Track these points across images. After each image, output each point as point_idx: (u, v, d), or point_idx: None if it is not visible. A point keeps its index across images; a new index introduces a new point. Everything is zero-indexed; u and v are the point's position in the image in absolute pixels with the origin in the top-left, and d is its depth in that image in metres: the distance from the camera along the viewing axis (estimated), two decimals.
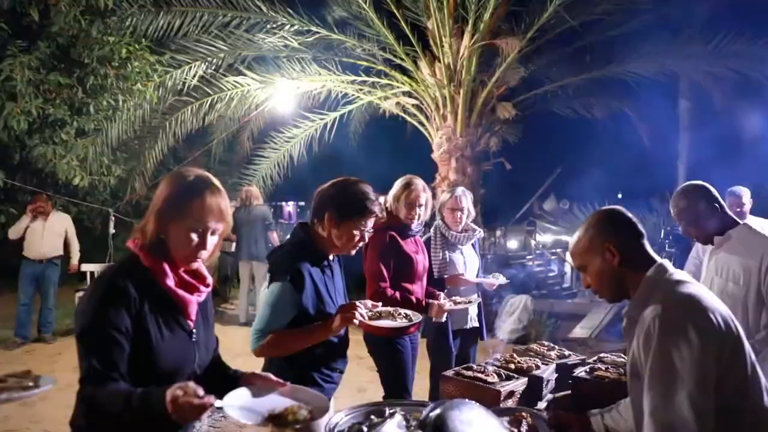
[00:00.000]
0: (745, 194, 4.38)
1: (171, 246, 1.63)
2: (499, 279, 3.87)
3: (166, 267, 1.63)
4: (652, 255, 1.70)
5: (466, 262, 3.84)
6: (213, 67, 7.67)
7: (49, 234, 7.12)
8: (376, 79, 8.03)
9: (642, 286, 1.64)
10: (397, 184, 3.38)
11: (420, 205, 3.31)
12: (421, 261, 3.34)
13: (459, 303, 3.32)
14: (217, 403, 1.45)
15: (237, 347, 5.68)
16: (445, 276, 3.71)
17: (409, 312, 2.60)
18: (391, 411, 1.73)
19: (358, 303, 2.18)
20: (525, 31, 7.10)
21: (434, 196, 8.35)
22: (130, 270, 1.61)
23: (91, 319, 1.56)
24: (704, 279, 2.84)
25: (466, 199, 3.76)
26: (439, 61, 7.34)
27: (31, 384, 1.50)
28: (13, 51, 6.20)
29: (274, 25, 7.45)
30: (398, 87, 7.94)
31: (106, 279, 1.61)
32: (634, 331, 1.60)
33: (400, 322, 2.47)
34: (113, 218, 8.57)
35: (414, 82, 7.72)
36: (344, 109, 8.56)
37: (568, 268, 17.48)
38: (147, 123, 7.88)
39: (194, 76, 7.59)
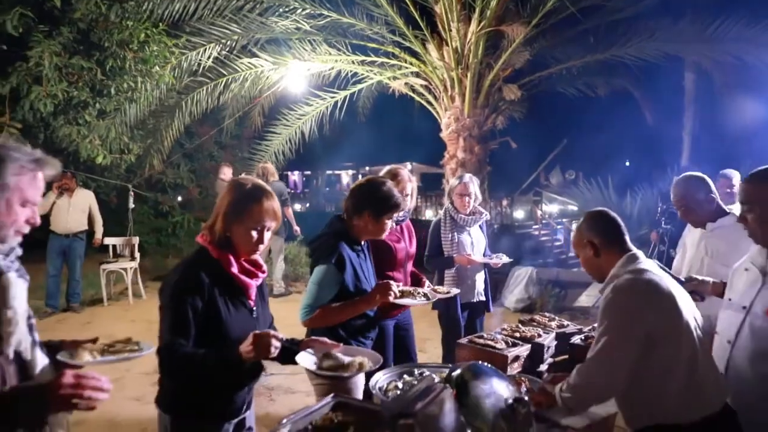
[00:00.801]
0: (735, 177, 4.69)
1: (235, 241, 2.00)
2: (502, 259, 4.15)
3: (231, 258, 1.99)
4: (627, 247, 2.11)
5: (474, 242, 4.15)
6: (227, 49, 7.92)
7: (74, 210, 7.49)
8: (385, 60, 8.25)
9: (612, 271, 2.07)
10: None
11: (406, 195, 3.38)
12: (403, 248, 3.37)
13: (439, 293, 3.29)
14: (297, 358, 2.00)
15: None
16: (454, 255, 4.03)
17: (426, 291, 2.93)
18: (419, 371, 2.11)
19: (391, 282, 2.55)
20: (530, 16, 7.29)
21: (442, 167, 8.65)
22: (202, 261, 1.98)
23: (169, 301, 1.94)
24: (693, 257, 3.19)
25: (473, 184, 4.10)
26: (447, 45, 7.56)
27: (136, 348, 1.86)
28: (39, 37, 6.44)
29: (287, 9, 7.65)
30: (407, 68, 8.16)
31: (184, 268, 1.98)
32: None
33: (419, 300, 2.83)
34: (132, 193, 8.92)
35: (422, 64, 7.94)
36: (354, 87, 8.80)
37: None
38: (164, 102, 8.15)
39: (209, 57, 7.86)
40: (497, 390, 1.79)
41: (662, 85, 10.39)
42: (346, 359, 2.06)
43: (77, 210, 7.53)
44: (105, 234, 8.15)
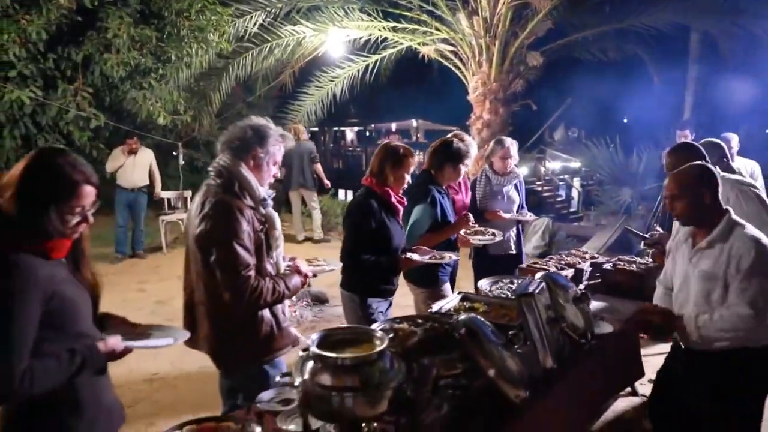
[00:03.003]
0: (734, 139, 5.48)
1: (390, 182, 2.99)
2: (526, 216, 4.57)
3: (390, 192, 2.96)
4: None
5: (506, 201, 4.48)
6: (271, 16, 8.57)
7: (138, 167, 8.30)
8: (416, 27, 8.90)
9: (724, 221, 2.38)
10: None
11: (466, 164, 3.88)
12: (460, 200, 4.12)
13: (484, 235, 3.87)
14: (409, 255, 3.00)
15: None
16: (486, 211, 4.43)
17: (496, 231, 3.81)
18: (507, 280, 3.03)
19: (470, 214, 3.51)
20: None
21: (469, 133, 9.43)
22: (371, 195, 2.98)
23: (352, 224, 2.99)
24: None
25: (514, 147, 4.52)
26: (477, 15, 8.22)
27: (323, 263, 2.74)
28: (111, 9, 7.13)
29: None
30: (436, 34, 8.82)
31: (360, 201, 2.98)
32: (718, 248, 2.35)
33: (488, 238, 3.71)
34: (183, 151, 9.71)
35: (452, 31, 8.61)
36: (385, 52, 9.47)
37: (575, 194, 18.69)
38: (212, 67, 8.85)
39: (255, 24, 8.52)
40: (566, 288, 2.70)
41: (670, 50, 10.99)
42: (439, 255, 3.14)
43: (140, 167, 8.34)
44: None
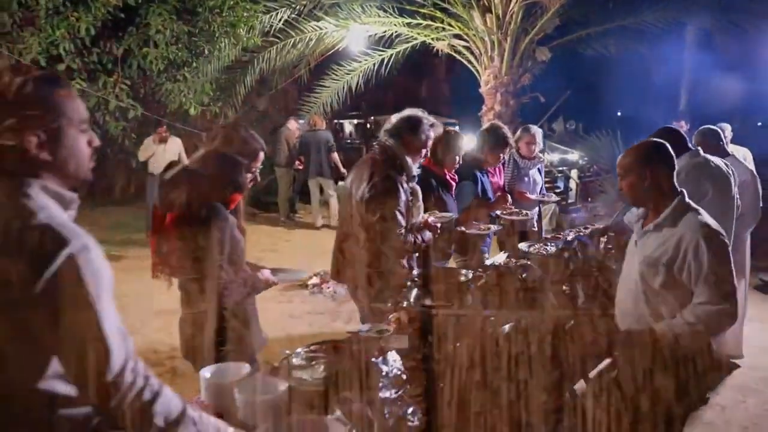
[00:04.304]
0: (727, 129, 6.07)
1: (444, 162, 3.55)
2: (552, 198, 5.24)
3: (446, 171, 3.49)
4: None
5: (531, 183, 5.00)
6: (296, 13, 9.08)
7: (168, 154, 8.82)
8: (430, 23, 9.43)
9: (674, 203, 2.18)
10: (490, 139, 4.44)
11: (509, 149, 4.52)
12: (496, 182, 4.59)
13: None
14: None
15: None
16: (514, 192, 4.89)
17: (529, 212, 4.37)
18: (540, 243, 3.62)
19: (507, 194, 4.02)
20: None
21: (480, 124, 9.99)
22: (429, 173, 3.56)
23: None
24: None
25: (539, 135, 5.08)
26: (490, 12, 8.75)
27: (442, 215, 3.31)
28: (153, 7, 7.61)
29: None
30: (450, 30, 9.35)
31: (422, 178, 3.46)
32: (666, 232, 2.17)
33: (522, 216, 4.27)
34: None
35: (465, 27, 9.15)
36: (400, 46, 9.97)
37: (573, 185, 19.32)
38: (239, 60, 9.36)
39: (280, 20, 9.03)
40: (592, 247, 3.29)
41: (668, 44, 11.48)
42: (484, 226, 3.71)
43: (170, 155, 8.85)
44: None
